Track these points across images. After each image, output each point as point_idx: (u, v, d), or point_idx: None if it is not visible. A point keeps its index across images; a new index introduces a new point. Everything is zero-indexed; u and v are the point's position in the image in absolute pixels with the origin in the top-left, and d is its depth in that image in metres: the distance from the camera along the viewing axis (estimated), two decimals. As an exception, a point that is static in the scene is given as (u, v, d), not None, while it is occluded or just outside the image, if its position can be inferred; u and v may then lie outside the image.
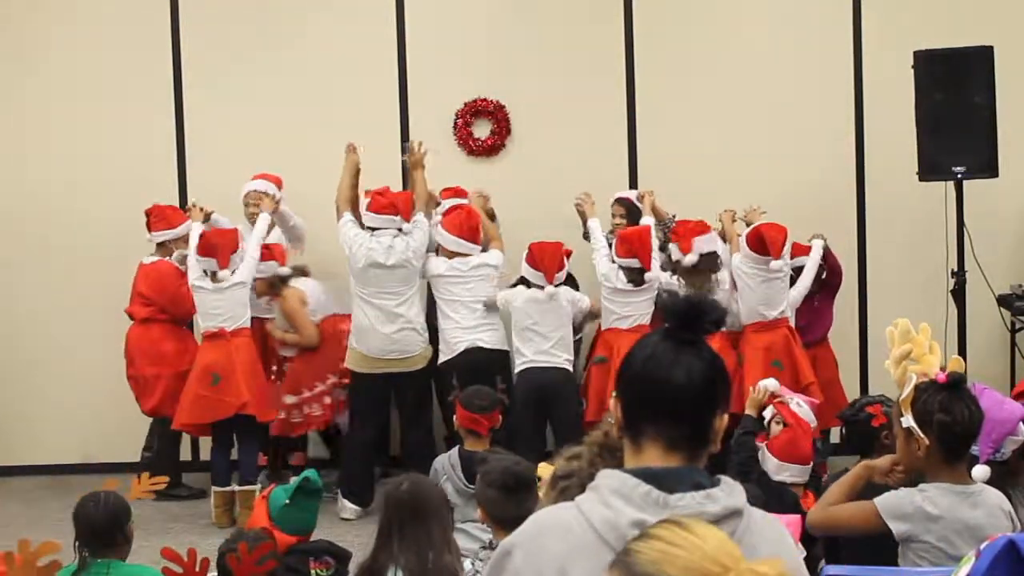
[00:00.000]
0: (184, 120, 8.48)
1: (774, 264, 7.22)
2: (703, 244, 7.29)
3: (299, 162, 8.38)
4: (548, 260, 7.19)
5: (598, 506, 2.07)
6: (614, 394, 2.25)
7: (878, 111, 8.23)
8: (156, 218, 7.79)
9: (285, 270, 7.76)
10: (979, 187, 7.41)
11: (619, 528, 2.03)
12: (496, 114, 8.41)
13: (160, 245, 7.81)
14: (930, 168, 7.26)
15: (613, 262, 7.36)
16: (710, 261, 7.33)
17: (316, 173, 8.34)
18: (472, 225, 7.40)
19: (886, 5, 8.28)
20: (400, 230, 7.33)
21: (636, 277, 7.25)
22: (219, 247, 7.34)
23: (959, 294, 7.29)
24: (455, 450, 5.65)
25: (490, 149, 8.45)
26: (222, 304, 7.34)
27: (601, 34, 8.40)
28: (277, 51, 8.44)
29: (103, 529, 4.07)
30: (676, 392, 2.14)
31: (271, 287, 7.69)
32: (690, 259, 7.26)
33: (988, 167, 7.17)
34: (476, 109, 8.42)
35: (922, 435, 3.42)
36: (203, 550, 3.34)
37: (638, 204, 7.84)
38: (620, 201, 7.93)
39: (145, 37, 8.46)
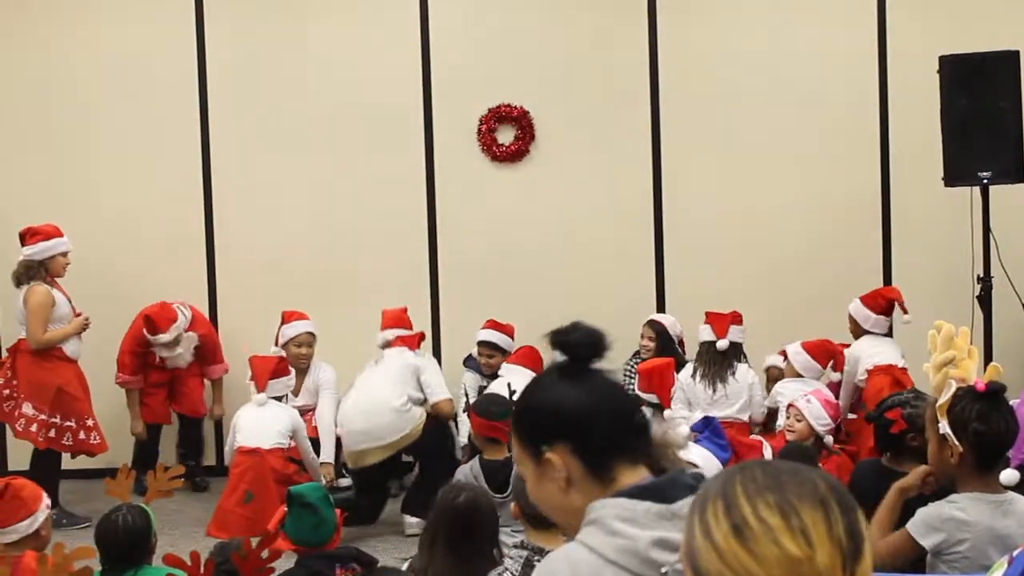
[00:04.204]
0: (209, 127, 8.52)
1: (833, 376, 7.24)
2: (737, 333, 7.23)
3: (324, 170, 8.42)
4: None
5: (607, 538, 2.00)
6: (551, 454, 2.12)
7: (904, 116, 8.21)
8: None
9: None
10: (1005, 192, 7.37)
11: (639, 553, 1.98)
12: (520, 120, 8.41)
13: None
14: (956, 173, 7.22)
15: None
16: (737, 350, 7.27)
17: (340, 179, 8.41)
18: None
19: (912, 10, 8.25)
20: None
21: (655, 414, 6.69)
22: (256, 370, 7.41)
23: (985, 300, 7.25)
24: (476, 460, 5.62)
25: (514, 155, 8.45)
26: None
27: (626, 41, 8.39)
28: (301, 57, 8.47)
29: (128, 551, 4.04)
30: (630, 407, 2.19)
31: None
32: (722, 344, 7.16)
33: (1014, 172, 7.12)
34: (500, 115, 8.43)
35: (956, 442, 3.38)
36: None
37: (672, 332, 7.82)
38: (652, 324, 7.88)
39: (170, 54, 8.51)
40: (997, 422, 3.38)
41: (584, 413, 2.13)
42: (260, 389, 7.35)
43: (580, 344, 2.16)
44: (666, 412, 6.61)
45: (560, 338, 2.18)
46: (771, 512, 1.40)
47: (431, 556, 3.90)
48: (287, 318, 7.96)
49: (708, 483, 1.52)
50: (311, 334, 7.93)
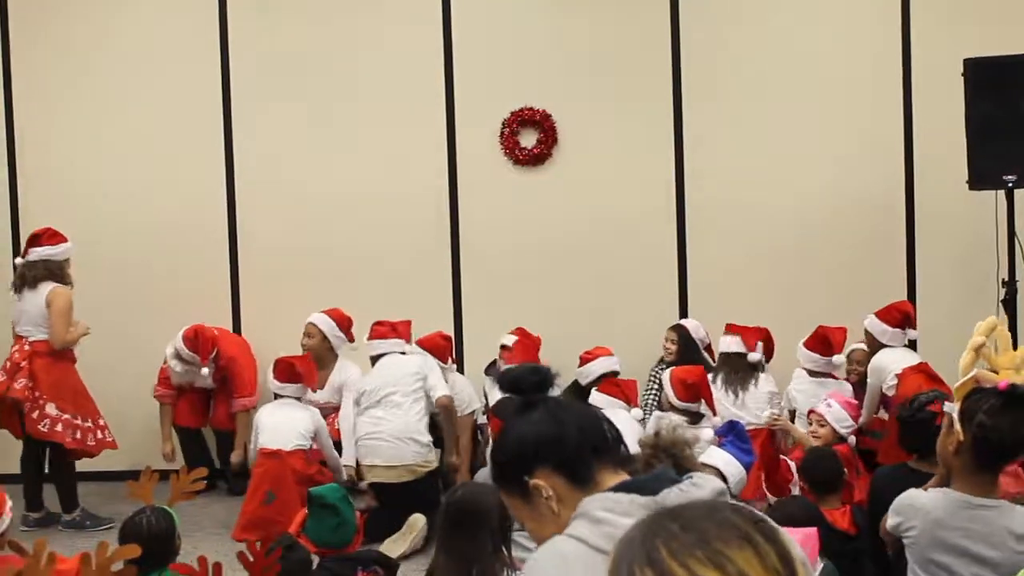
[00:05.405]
0: (232, 129, 8.56)
1: (837, 359, 7.13)
2: (762, 351, 7.22)
3: (346, 173, 8.44)
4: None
5: (594, 527, 2.09)
6: (534, 480, 2.25)
7: (928, 120, 8.17)
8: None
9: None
10: (1030, 196, 7.34)
11: None
12: (543, 123, 8.41)
13: None
14: (980, 177, 7.18)
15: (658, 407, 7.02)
16: (761, 362, 7.26)
17: (363, 183, 8.43)
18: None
19: (936, 13, 8.21)
20: (403, 352, 7.36)
21: (695, 421, 6.50)
22: (304, 375, 7.41)
23: (1010, 304, 7.21)
24: None
25: (536, 158, 8.44)
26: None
27: (648, 44, 8.38)
28: (323, 59, 8.49)
29: (152, 553, 4.05)
30: (593, 415, 2.35)
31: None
32: (753, 356, 7.15)
33: (1039, 176, 7.09)
34: (523, 118, 8.42)
35: (960, 429, 3.28)
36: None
37: (695, 336, 7.79)
38: (675, 328, 7.87)
39: (192, 53, 8.55)
40: (1004, 423, 3.26)
41: (550, 430, 2.28)
42: (312, 390, 7.54)
43: (525, 378, 2.35)
44: (714, 420, 6.47)
45: (506, 378, 2.38)
46: (705, 568, 1.33)
47: (436, 553, 3.94)
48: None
49: (621, 548, 1.41)
50: (313, 324, 7.90)
